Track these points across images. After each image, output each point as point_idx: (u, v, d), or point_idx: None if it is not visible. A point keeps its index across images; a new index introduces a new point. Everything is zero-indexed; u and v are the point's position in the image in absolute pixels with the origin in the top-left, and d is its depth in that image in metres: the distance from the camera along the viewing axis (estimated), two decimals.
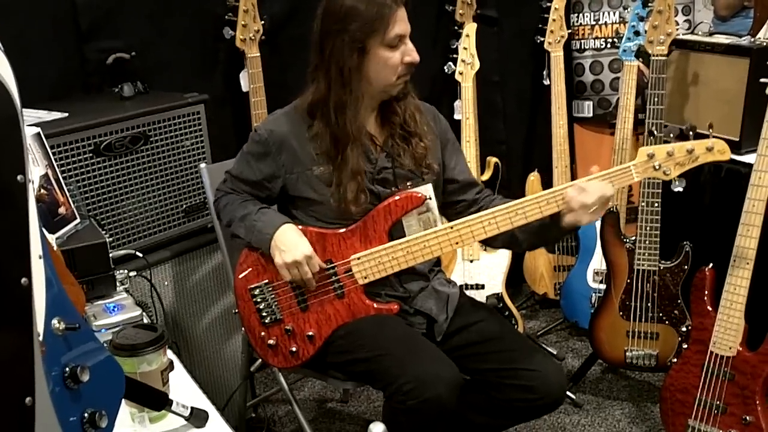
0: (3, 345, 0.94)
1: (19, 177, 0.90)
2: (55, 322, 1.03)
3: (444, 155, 2.17)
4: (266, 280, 2.06)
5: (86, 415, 1.08)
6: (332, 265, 2.03)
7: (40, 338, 0.99)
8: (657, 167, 1.96)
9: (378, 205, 2.03)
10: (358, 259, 2.02)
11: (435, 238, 1.99)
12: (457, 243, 1.99)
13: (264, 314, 2.07)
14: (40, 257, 0.99)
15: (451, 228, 1.98)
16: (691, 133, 2.12)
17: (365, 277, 2.02)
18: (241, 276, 2.09)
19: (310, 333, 2.04)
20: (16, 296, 0.94)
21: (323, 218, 2.06)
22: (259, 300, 2.07)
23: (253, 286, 2.07)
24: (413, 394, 1.80)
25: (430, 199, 2.07)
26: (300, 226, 2.05)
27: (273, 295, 2.06)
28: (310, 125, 2.03)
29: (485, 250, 3.08)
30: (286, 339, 2.06)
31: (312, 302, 2.04)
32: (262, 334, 2.08)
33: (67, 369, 1.05)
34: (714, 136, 2.00)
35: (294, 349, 2.06)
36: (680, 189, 2.02)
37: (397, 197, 2.02)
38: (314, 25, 2.00)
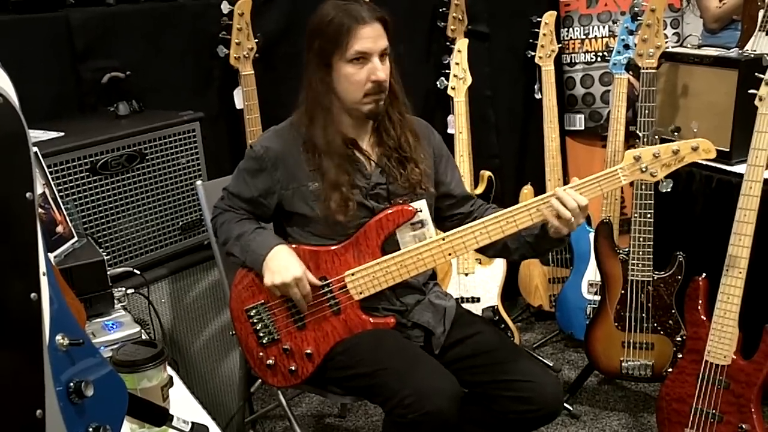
0: (14, 358, 0.95)
1: (27, 194, 0.92)
2: (59, 338, 1.03)
3: (439, 171, 2.17)
4: (262, 300, 2.06)
5: (90, 429, 1.08)
6: (327, 281, 2.03)
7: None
8: (644, 169, 1.96)
9: (370, 220, 2.04)
10: (352, 274, 2.02)
11: (428, 251, 1.99)
12: (450, 254, 1.99)
13: (261, 334, 2.06)
14: (43, 274, 1.00)
15: (444, 240, 1.98)
16: (676, 134, 2.14)
17: (360, 293, 2.03)
18: (236, 297, 2.09)
19: (308, 351, 2.05)
20: (26, 311, 0.95)
21: (319, 234, 2.07)
22: (255, 321, 2.06)
23: (249, 306, 2.07)
24: (414, 408, 1.80)
25: (421, 211, 2.06)
26: (294, 245, 2.05)
27: (269, 315, 2.06)
28: (305, 141, 2.05)
29: (480, 263, 3.09)
30: (284, 358, 2.06)
31: (309, 320, 2.04)
32: (260, 354, 2.07)
33: (71, 384, 1.05)
34: None
35: (293, 367, 2.06)
36: (668, 190, 2.04)
37: (388, 211, 2.03)
38: None
